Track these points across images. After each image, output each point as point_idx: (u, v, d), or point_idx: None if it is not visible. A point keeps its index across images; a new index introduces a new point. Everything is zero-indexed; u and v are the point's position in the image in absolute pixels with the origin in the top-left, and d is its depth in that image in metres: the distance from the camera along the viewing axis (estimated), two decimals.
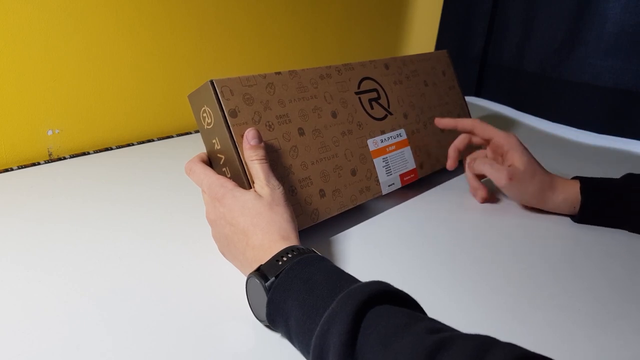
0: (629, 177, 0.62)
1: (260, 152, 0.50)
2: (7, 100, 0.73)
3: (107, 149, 0.82)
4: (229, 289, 0.47)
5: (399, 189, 0.67)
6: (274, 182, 0.49)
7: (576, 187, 0.62)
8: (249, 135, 0.50)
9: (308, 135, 0.57)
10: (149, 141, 0.88)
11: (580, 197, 0.61)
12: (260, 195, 0.47)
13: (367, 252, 0.55)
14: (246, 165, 0.50)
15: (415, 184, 0.71)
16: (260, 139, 0.50)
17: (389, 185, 0.65)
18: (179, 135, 0.92)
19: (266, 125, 0.54)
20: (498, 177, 0.62)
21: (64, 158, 0.78)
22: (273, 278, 0.40)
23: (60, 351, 0.39)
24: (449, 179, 0.76)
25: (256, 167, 0.49)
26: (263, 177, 0.48)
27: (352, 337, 0.32)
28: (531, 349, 0.29)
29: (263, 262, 0.42)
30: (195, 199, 0.63)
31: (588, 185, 0.61)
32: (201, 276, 0.49)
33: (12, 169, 0.72)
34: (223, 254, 0.51)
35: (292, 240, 0.45)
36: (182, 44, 0.90)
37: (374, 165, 0.64)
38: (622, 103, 0.95)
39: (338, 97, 0.62)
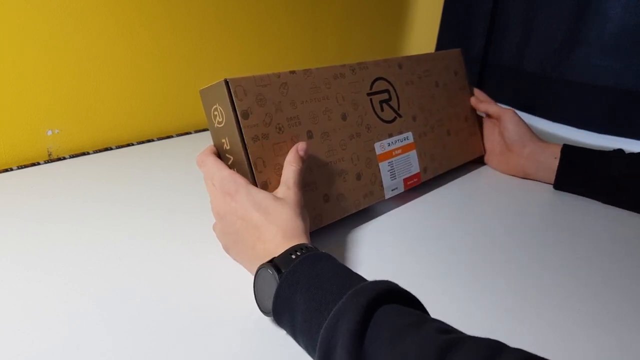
0: (616, 150, 0.69)
1: (300, 163, 0.51)
2: (7, 100, 0.73)
3: (107, 149, 0.82)
4: (229, 289, 0.47)
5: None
6: (298, 188, 0.50)
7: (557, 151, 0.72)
8: (301, 146, 0.53)
9: (316, 139, 0.56)
10: (149, 141, 0.88)
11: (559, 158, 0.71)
12: (279, 197, 0.48)
13: (368, 253, 0.55)
14: (255, 166, 0.50)
15: (417, 185, 0.71)
16: (307, 153, 0.53)
17: (392, 190, 0.65)
18: (178, 135, 0.92)
19: (276, 128, 0.53)
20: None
21: (64, 158, 0.78)
22: (286, 270, 0.40)
23: (60, 351, 0.38)
24: (451, 180, 0.76)
25: (290, 171, 0.50)
26: (293, 181, 0.50)
27: (361, 331, 0.32)
28: (533, 351, 0.29)
29: (275, 256, 0.42)
30: (196, 199, 0.63)
31: (569, 149, 0.71)
32: (201, 276, 0.49)
33: (11, 169, 0.72)
34: (227, 249, 0.50)
35: (303, 240, 0.45)
36: (182, 44, 0.90)
37: (379, 170, 0.63)
38: (622, 103, 0.95)
39: (350, 99, 0.61)
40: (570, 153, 0.71)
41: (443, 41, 1.26)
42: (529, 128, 0.76)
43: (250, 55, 1.01)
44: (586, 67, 0.98)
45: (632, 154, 0.68)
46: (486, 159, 0.83)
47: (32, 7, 0.71)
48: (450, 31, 1.24)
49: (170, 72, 0.90)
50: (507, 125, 0.76)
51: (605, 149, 0.71)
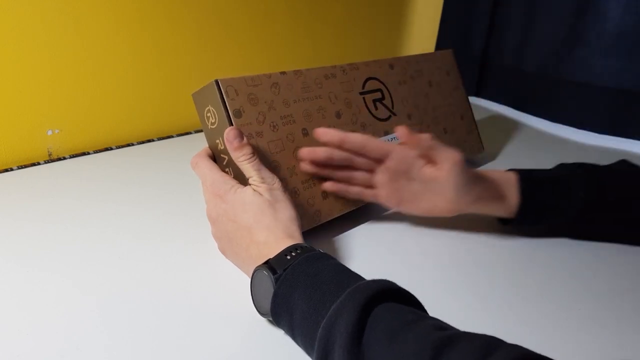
0: (561, 167, 0.57)
1: (246, 150, 0.48)
2: (7, 100, 0.73)
3: (107, 149, 0.82)
4: (229, 289, 0.47)
5: None
6: (269, 179, 0.48)
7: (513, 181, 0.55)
8: (230, 136, 0.48)
9: (312, 136, 0.57)
10: (149, 141, 0.88)
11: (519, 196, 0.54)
12: (259, 193, 0.47)
13: (368, 253, 0.55)
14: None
15: None
16: (241, 137, 0.49)
17: None
18: (179, 135, 0.92)
19: (270, 126, 0.53)
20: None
21: (64, 158, 0.78)
22: (281, 271, 0.40)
23: (60, 351, 0.39)
24: None
25: (246, 166, 0.48)
26: (256, 175, 0.48)
27: (359, 330, 0.33)
28: (533, 349, 0.29)
29: (270, 258, 0.42)
30: (196, 200, 0.63)
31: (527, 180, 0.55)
32: (201, 276, 0.49)
33: (12, 169, 0.72)
34: (223, 252, 0.50)
35: (297, 239, 0.45)
36: (182, 44, 0.90)
37: None
38: (622, 103, 0.95)
39: (342, 98, 0.61)
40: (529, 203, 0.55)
41: (443, 41, 1.26)
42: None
43: (250, 56, 1.01)
44: (586, 67, 0.98)
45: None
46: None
47: (32, 8, 0.71)
48: (450, 31, 1.24)
49: (170, 72, 0.90)
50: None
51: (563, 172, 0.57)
